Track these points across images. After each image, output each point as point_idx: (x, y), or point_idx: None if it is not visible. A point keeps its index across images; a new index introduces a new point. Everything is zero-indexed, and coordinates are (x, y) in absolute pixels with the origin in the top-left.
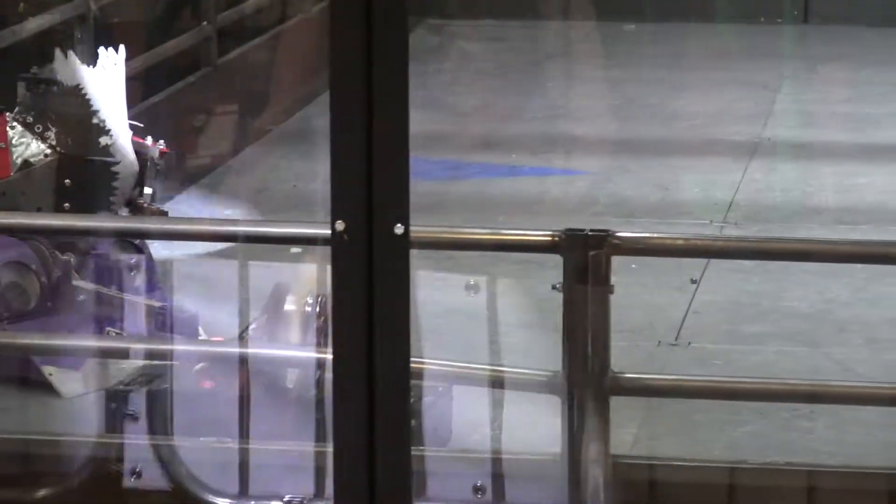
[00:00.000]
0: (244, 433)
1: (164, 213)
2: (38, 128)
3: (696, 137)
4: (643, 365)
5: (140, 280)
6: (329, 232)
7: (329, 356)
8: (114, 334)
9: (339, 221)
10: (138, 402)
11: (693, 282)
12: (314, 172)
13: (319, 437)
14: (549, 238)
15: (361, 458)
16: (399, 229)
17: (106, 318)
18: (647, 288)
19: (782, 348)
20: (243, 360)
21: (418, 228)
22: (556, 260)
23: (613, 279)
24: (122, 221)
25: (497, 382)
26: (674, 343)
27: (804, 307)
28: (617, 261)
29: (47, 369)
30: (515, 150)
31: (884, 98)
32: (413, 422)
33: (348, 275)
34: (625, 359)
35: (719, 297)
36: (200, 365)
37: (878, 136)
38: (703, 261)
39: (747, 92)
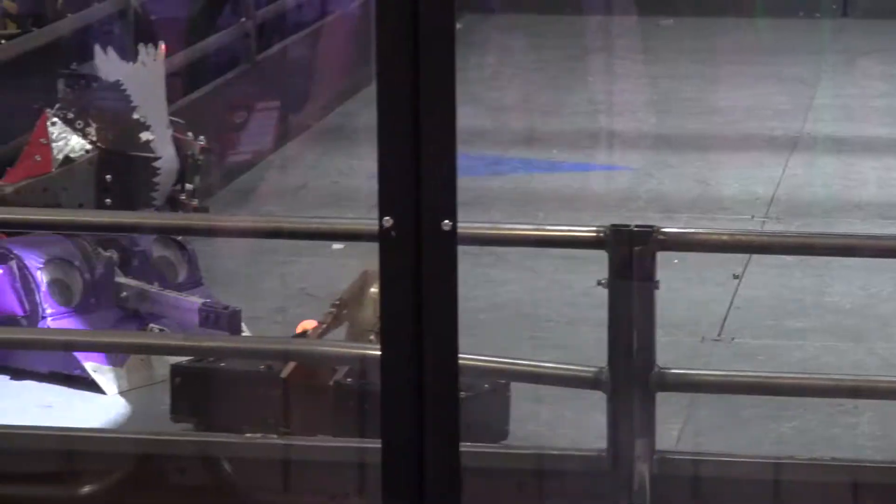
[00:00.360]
0: None
1: (206, 210)
2: (79, 124)
3: (735, 132)
4: (687, 360)
5: (183, 276)
6: (376, 228)
7: None
8: (157, 331)
9: (387, 218)
10: None
11: (735, 277)
12: (355, 169)
13: None
14: (595, 234)
15: (410, 454)
16: (447, 226)
17: (148, 314)
18: (690, 283)
19: (825, 343)
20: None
21: (464, 224)
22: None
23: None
24: (165, 218)
25: (542, 378)
26: (717, 338)
27: (847, 302)
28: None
29: (90, 366)
30: (555, 145)
31: None
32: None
33: (396, 271)
34: (668, 354)
35: (761, 293)
36: None
37: None
38: (743, 256)
39: (786, 86)
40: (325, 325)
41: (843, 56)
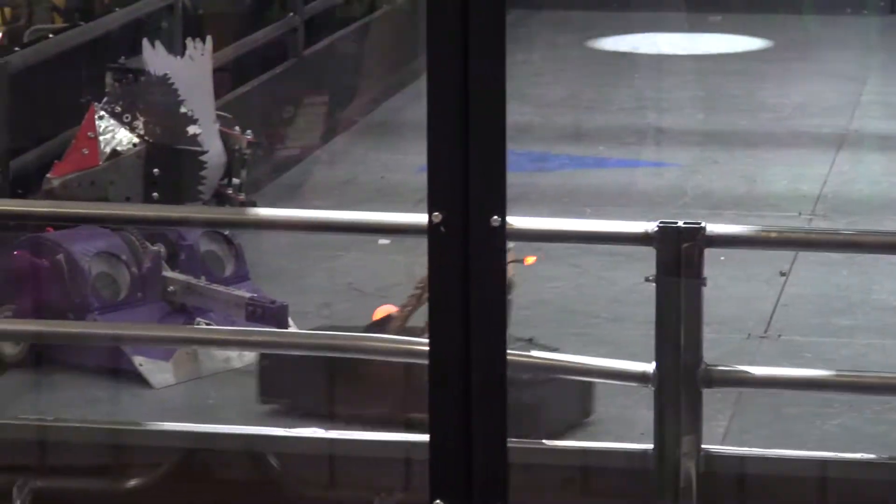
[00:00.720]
0: None
1: (253, 204)
2: (127, 117)
3: (782, 129)
4: (733, 357)
5: (230, 270)
6: (425, 223)
7: None
8: (204, 325)
9: (436, 213)
10: None
11: (782, 274)
12: (402, 164)
13: None
14: (642, 231)
15: (458, 449)
16: (496, 221)
17: (195, 308)
18: (737, 280)
19: (872, 341)
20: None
21: (512, 220)
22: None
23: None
24: (212, 212)
25: (591, 373)
26: (763, 335)
27: (894, 300)
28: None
29: (137, 359)
30: (602, 141)
31: None
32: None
33: (445, 266)
34: (715, 351)
35: (808, 290)
36: None
37: None
38: (790, 253)
39: (834, 83)
40: (409, 308)
41: (890, 53)
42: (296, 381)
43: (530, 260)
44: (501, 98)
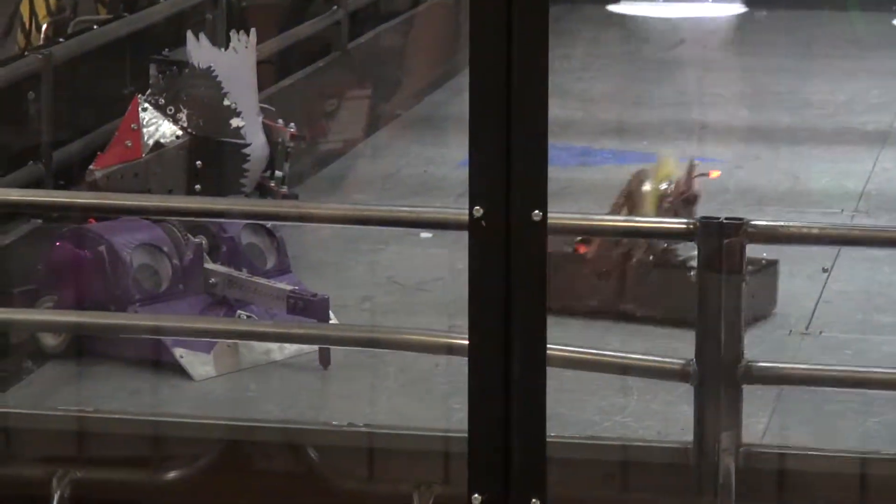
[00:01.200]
0: None
1: (295, 197)
2: (170, 110)
3: (825, 126)
4: (775, 353)
5: (271, 263)
6: (466, 217)
7: None
8: (245, 317)
9: (477, 207)
10: None
11: (825, 271)
12: (444, 158)
13: None
14: (684, 226)
15: (497, 445)
16: (537, 216)
17: (237, 301)
18: (779, 276)
19: None
20: None
21: (554, 215)
22: None
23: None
24: (255, 205)
25: (631, 370)
26: (805, 332)
27: None
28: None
29: (178, 351)
30: (646, 136)
31: None
32: None
33: (485, 260)
34: (756, 347)
35: (850, 287)
36: None
37: None
38: (832, 250)
39: (879, 81)
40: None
41: None
42: None
43: (715, 174)
44: (544, 92)
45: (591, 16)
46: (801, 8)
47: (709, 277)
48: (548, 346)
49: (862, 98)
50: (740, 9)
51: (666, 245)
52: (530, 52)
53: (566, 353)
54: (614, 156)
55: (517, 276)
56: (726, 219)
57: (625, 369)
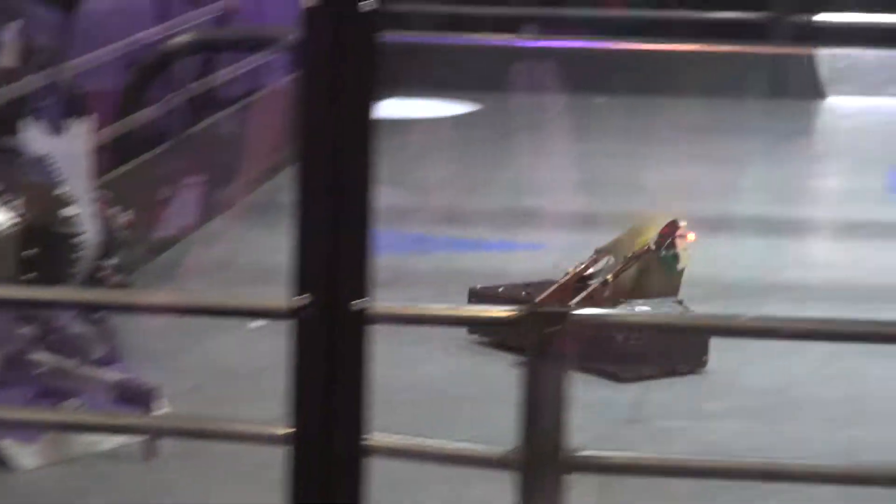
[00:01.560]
0: None
1: (128, 285)
2: (5, 197)
3: (661, 212)
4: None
5: (101, 352)
6: (292, 305)
7: None
8: (74, 407)
9: (302, 296)
10: None
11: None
12: (280, 245)
13: None
14: (511, 314)
15: None
16: (361, 305)
17: (65, 390)
18: None
19: (741, 424)
20: None
21: (382, 304)
22: None
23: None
24: (86, 294)
25: (454, 459)
26: (634, 419)
27: (765, 382)
28: None
29: (3, 442)
30: (482, 224)
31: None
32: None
33: (309, 349)
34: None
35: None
36: None
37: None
38: None
39: (714, 166)
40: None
41: (770, 136)
42: None
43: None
44: (371, 181)
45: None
46: (641, 94)
47: (534, 365)
48: (369, 434)
49: (697, 183)
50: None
51: None
52: (357, 141)
53: (387, 443)
54: (448, 243)
55: (341, 365)
56: (551, 308)
57: (448, 458)
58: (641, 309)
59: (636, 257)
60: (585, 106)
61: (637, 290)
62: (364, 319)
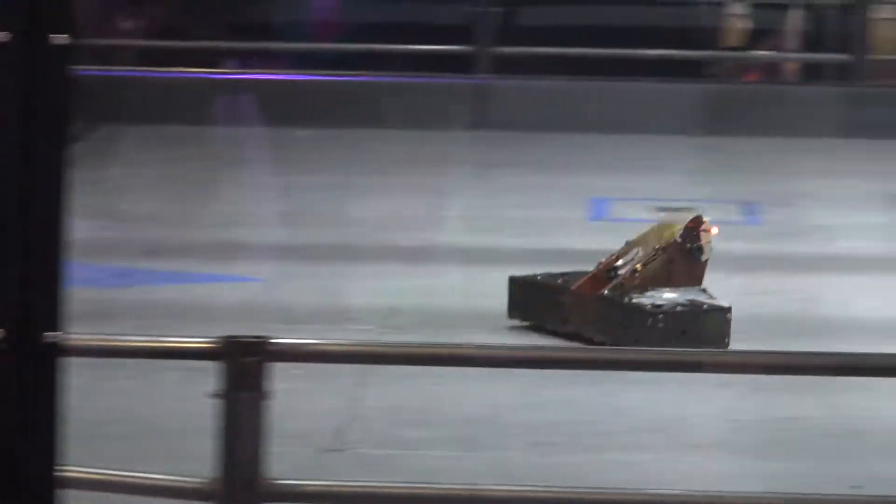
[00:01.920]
0: None
1: None
2: None
3: (364, 243)
4: (306, 471)
5: None
6: None
7: None
8: None
9: None
10: None
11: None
12: None
13: None
14: (209, 345)
15: None
16: (53, 337)
17: None
18: (313, 394)
19: (444, 453)
20: None
21: (75, 336)
22: None
23: (278, 385)
24: None
25: (153, 490)
26: (337, 449)
27: (470, 411)
28: (281, 366)
29: None
30: (186, 256)
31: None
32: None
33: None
34: (286, 464)
35: (384, 403)
36: None
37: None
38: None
39: (419, 197)
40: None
41: (475, 167)
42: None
43: (714, 231)
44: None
45: (147, 136)
46: (346, 126)
47: (232, 395)
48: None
49: (402, 215)
50: (285, 128)
51: None
52: (48, 170)
53: (85, 475)
54: (151, 276)
55: (32, 397)
56: (247, 337)
57: (148, 490)
58: (668, 296)
59: (663, 249)
60: (289, 138)
61: (664, 280)
62: (57, 351)
